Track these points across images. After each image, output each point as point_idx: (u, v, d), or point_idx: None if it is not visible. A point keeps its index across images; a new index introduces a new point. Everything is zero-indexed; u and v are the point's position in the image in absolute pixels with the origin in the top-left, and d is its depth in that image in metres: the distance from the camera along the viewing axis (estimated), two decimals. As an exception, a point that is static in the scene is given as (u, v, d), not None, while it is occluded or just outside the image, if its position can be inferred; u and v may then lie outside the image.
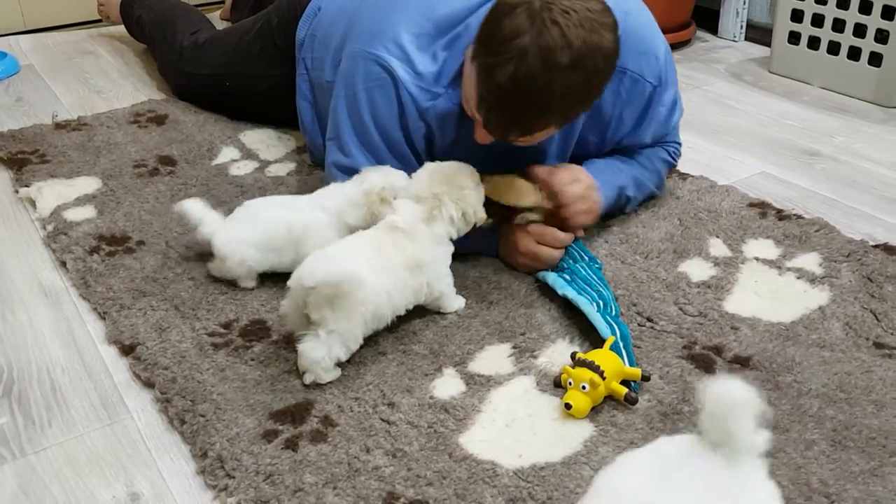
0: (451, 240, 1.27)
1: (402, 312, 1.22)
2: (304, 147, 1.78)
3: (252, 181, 1.68)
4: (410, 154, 1.39)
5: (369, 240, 1.21)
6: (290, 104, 1.66)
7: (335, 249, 1.18)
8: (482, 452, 1.04)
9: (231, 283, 1.35)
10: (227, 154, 1.79)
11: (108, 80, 2.23)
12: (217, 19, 2.49)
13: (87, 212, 1.58)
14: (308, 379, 1.14)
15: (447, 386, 1.15)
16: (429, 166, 1.28)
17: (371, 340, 1.22)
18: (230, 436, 1.06)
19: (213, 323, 1.27)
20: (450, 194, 1.24)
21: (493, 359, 1.20)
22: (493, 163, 1.34)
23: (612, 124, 1.46)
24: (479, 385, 1.15)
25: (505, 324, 1.27)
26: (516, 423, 1.09)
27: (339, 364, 1.16)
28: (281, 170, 1.73)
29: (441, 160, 1.31)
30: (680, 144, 1.61)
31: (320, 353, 1.12)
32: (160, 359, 1.19)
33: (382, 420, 1.09)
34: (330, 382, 1.14)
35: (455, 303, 1.30)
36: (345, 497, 0.97)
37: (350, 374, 1.16)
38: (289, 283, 1.12)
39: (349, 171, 1.37)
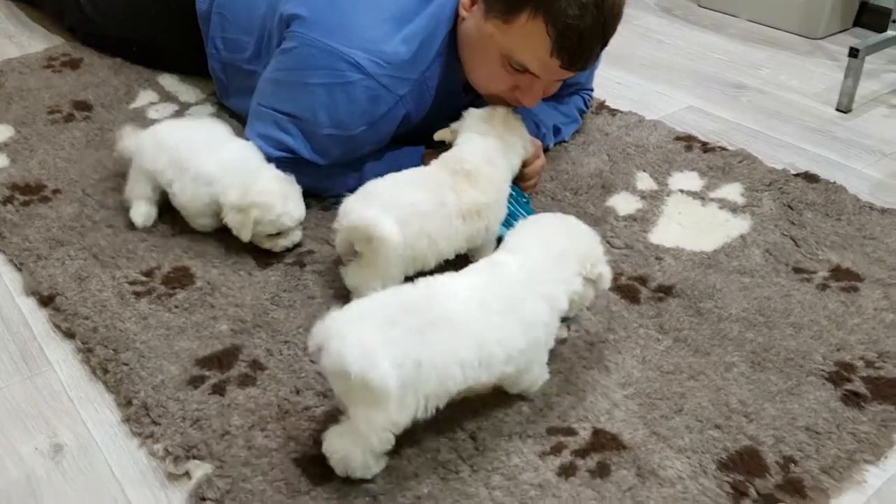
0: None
1: (451, 257, 1.17)
2: (227, 89, 1.72)
3: (173, 125, 1.63)
4: (363, 144, 1.34)
5: (427, 180, 1.17)
6: (204, 65, 1.62)
7: (387, 186, 1.14)
8: (413, 389, 1.05)
9: (151, 231, 1.31)
10: (144, 97, 1.73)
11: (19, 24, 2.11)
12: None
13: (0, 161, 1.51)
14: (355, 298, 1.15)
15: (377, 325, 1.15)
16: (476, 111, 1.25)
17: (301, 285, 1.21)
18: (155, 383, 1.04)
19: (135, 271, 1.23)
20: (510, 135, 1.23)
21: (424, 297, 1.20)
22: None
23: None
24: (410, 323, 1.15)
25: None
26: (447, 358, 1.10)
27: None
28: (202, 112, 1.67)
29: (407, 134, 1.32)
30: (592, 90, 1.67)
31: (355, 280, 1.14)
32: (80, 308, 1.16)
33: (313, 362, 1.08)
34: (258, 327, 1.13)
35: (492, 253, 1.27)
36: (274, 438, 0.97)
37: (280, 318, 1.15)
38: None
39: (284, 149, 1.32)
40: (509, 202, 1.35)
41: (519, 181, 1.36)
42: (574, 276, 0.99)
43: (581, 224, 1.06)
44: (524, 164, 1.31)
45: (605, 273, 1.02)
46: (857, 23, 2.22)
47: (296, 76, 1.30)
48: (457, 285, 0.95)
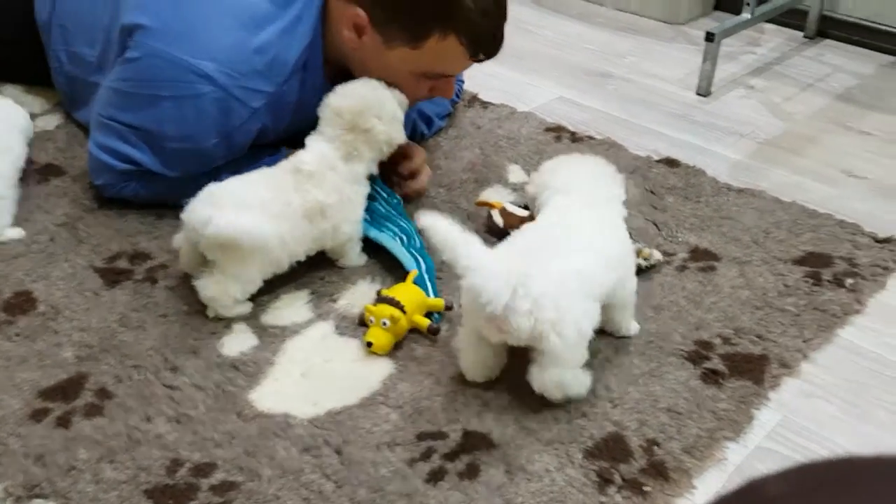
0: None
1: (302, 258, 1.17)
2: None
3: (17, 140, 1.52)
4: (216, 156, 1.28)
5: (270, 181, 1.13)
6: (49, 74, 1.53)
7: (232, 188, 1.11)
8: (274, 406, 1.01)
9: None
10: (-15, 111, 1.61)
11: None
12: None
13: None
14: (210, 314, 1.12)
15: (237, 342, 1.10)
16: (334, 103, 1.18)
17: (151, 303, 1.15)
18: (-8, 421, 0.97)
19: (-30, 300, 1.15)
20: (358, 140, 1.17)
21: (289, 307, 1.17)
22: None
23: None
24: (273, 336, 1.11)
25: (302, 270, 1.22)
26: (313, 370, 1.07)
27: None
28: (49, 123, 1.57)
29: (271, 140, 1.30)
30: (463, 82, 1.68)
31: (213, 291, 1.10)
32: None
33: (165, 386, 1.03)
34: (105, 352, 1.06)
35: (357, 258, 1.24)
36: (123, 470, 0.92)
37: (128, 341, 1.09)
38: (183, 217, 1.09)
39: (128, 161, 1.26)
40: (380, 205, 1.32)
41: (404, 182, 1.36)
42: (619, 187, 1.16)
43: (593, 157, 1.22)
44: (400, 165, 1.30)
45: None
46: (718, 6, 2.29)
47: (141, 88, 1.24)
48: (569, 221, 1.08)
